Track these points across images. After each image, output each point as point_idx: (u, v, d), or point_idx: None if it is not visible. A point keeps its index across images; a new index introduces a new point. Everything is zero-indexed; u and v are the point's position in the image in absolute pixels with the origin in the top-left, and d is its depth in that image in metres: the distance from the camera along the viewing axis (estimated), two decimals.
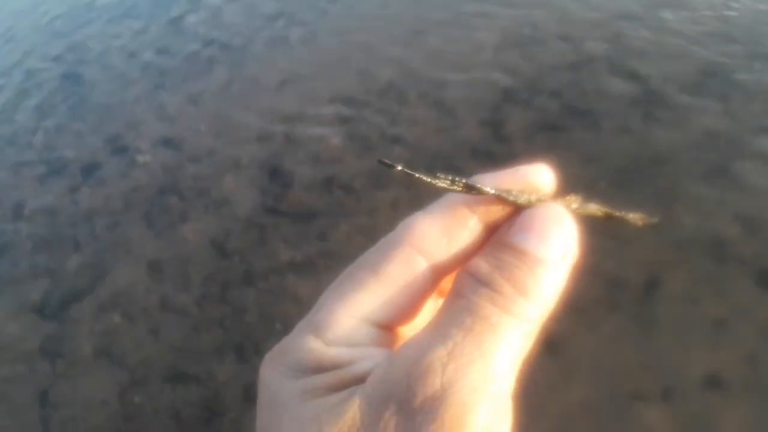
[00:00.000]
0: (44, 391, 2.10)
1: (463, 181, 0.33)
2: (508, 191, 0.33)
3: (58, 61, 3.81)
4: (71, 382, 2.10)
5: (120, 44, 3.84)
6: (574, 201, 0.35)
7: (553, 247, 0.30)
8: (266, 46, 3.52)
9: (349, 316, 0.28)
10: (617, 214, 0.38)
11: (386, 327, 0.29)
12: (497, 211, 0.32)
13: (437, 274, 0.30)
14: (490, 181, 0.33)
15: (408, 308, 0.29)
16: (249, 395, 1.93)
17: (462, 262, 0.30)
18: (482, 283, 0.28)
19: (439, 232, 0.30)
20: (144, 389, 2.02)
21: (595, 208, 0.37)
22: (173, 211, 2.56)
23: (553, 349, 1.84)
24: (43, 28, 4.25)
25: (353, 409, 0.25)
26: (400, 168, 0.34)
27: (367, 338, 0.28)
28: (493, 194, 0.32)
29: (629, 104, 2.67)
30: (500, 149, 2.54)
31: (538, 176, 0.34)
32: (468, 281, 0.28)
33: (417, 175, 0.33)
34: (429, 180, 0.33)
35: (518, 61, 3.04)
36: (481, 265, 0.29)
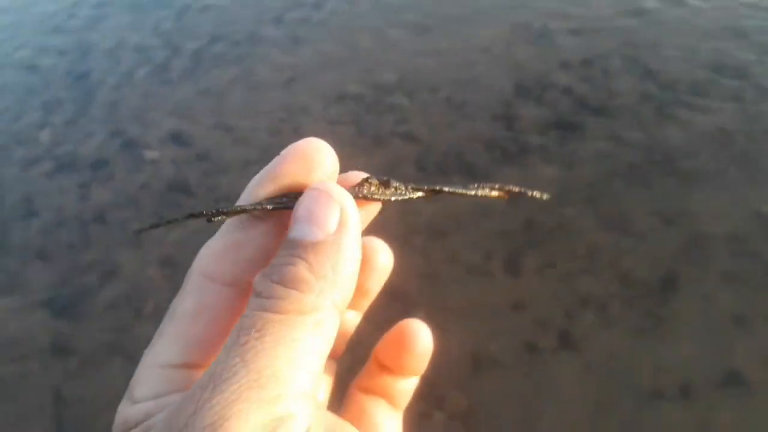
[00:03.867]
0: (57, 388, 2.08)
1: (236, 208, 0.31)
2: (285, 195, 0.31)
3: (64, 56, 3.79)
4: (84, 380, 2.09)
5: (127, 40, 3.82)
6: (371, 185, 0.33)
7: (323, 224, 0.27)
8: (273, 43, 3.51)
9: (152, 369, 0.27)
10: (446, 189, 0.36)
11: (192, 365, 0.27)
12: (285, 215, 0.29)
13: (240, 289, 0.28)
14: (266, 189, 0.31)
15: (212, 336, 0.27)
16: None
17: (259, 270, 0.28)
18: (256, 294, 0.26)
19: (224, 250, 0.28)
20: None
21: (403, 189, 0.35)
22: (182, 207, 2.54)
23: (570, 345, 1.83)
24: (47, 22, 4.23)
25: None
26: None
27: (172, 385, 0.27)
28: (266, 209, 0.30)
29: (642, 101, 2.66)
30: (514, 145, 2.52)
31: (311, 159, 0.30)
32: (249, 300, 0.27)
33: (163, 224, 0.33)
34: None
35: (529, 57, 3.03)
36: (258, 278, 0.27)
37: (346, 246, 0.27)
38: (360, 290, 0.32)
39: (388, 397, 0.33)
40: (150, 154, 2.79)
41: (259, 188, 0.31)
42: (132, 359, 2.11)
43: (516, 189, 0.35)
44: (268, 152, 2.12)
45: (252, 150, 2.75)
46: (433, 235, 2.22)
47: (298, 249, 0.27)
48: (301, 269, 0.26)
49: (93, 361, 2.14)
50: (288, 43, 3.48)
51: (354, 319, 0.35)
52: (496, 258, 2.10)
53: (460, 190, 0.34)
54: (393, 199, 0.32)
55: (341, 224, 0.28)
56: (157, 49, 3.69)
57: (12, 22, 4.37)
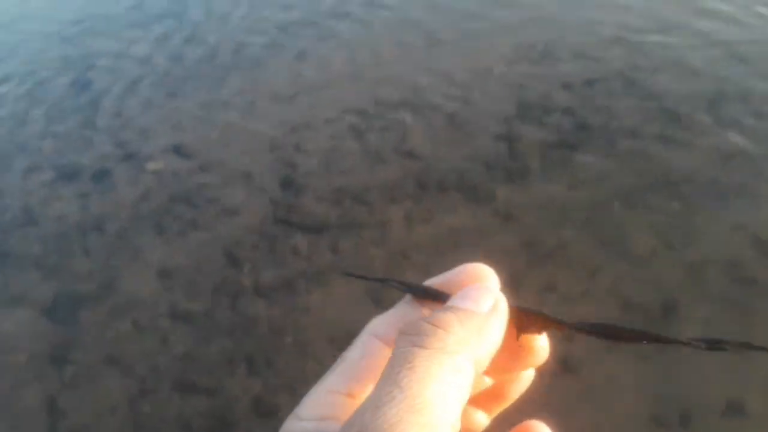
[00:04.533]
0: (52, 397, 2.07)
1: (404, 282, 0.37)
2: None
3: (68, 67, 3.81)
4: (80, 390, 2.07)
5: (131, 51, 3.83)
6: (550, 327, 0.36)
7: (479, 302, 0.32)
8: (278, 57, 3.52)
9: (320, 393, 0.32)
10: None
11: (349, 394, 0.32)
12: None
13: (388, 344, 0.34)
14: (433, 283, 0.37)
15: (369, 376, 0.32)
16: (259, 408, 1.91)
17: None
18: (405, 332, 0.30)
19: (393, 319, 0.35)
20: (154, 398, 1.99)
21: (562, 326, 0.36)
22: (183, 219, 2.54)
23: (570, 368, 1.83)
24: (53, 34, 4.25)
25: None
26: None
27: (333, 409, 0.31)
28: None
29: (644, 123, 2.67)
30: (515, 165, 2.53)
31: (478, 276, 0.36)
32: (397, 337, 0.30)
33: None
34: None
35: (531, 77, 3.05)
36: (409, 321, 0.31)
37: (493, 323, 0.32)
38: (500, 393, 0.37)
39: None
40: (151, 166, 2.79)
41: (434, 284, 0.37)
42: (129, 370, 2.10)
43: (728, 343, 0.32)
44: (269, 166, 2.14)
45: (254, 163, 2.75)
46: (433, 253, 2.22)
47: (454, 308, 0.31)
48: (451, 318, 0.30)
49: (89, 371, 2.12)
50: (293, 58, 3.50)
51: (483, 421, 0.39)
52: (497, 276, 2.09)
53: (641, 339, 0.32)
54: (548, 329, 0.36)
55: (493, 308, 0.32)
56: (161, 63, 3.70)
57: (18, 32, 4.40)
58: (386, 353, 0.32)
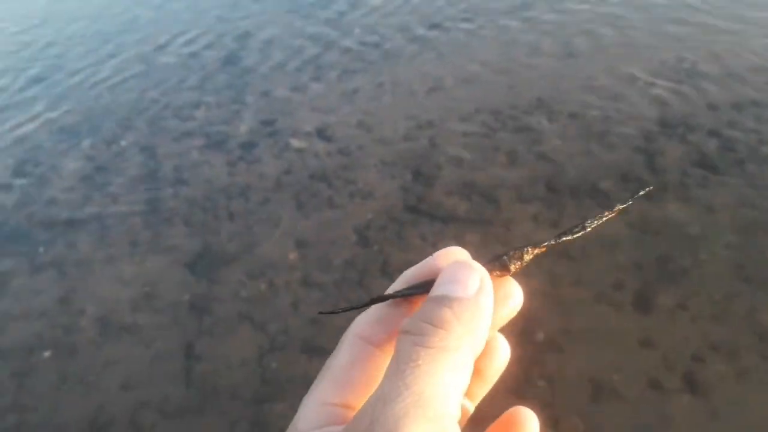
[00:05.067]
0: (190, 342, 2.27)
1: (371, 298, 0.38)
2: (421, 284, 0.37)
3: (221, 45, 4.12)
4: (215, 339, 2.27)
5: (280, 36, 4.09)
6: (513, 257, 0.37)
7: (465, 285, 0.33)
8: (419, 52, 3.64)
9: (313, 405, 0.32)
10: (569, 235, 0.38)
11: (345, 405, 0.33)
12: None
13: (382, 349, 0.35)
14: (406, 277, 0.38)
15: (361, 383, 0.33)
16: None
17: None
18: (406, 332, 0.31)
19: (376, 318, 0.35)
20: (282, 356, 2.14)
21: (537, 249, 0.38)
22: (321, 196, 2.71)
23: (696, 389, 1.79)
24: (207, 10, 4.61)
25: None
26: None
27: (330, 419, 0.32)
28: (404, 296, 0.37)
29: None
30: (653, 180, 2.48)
31: (449, 259, 0.36)
32: (398, 336, 0.32)
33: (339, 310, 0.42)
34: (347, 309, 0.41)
35: (676, 94, 2.97)
36: (407, 320, 0.32)
37: (483, 305, 0.33)
38: (479, 375, 0.38)
39: None
40: (296, 143, 2.99)
41: (411, 278, 0.38)
42: (261, 328, 2.27)
43: (622, 205, 0.39)
44: (403, 156, 2.26)
45: (389, 151, 2.88)
46: (561, 258, 2.24)
47: (444, 300, 0.32)
48: (448, 314, 0.31)
49: (225, 323, 2.31)
50: (433, 55, 3.61)
51: (468, 407, 0.40)
52: (626, 289, 2.08)
53: (578, 232, 0.38)
54: (520, 264, 0.37)
55: (480, 288, 0.33)
56: (310, 48, 3.93)
57: (179, 8, 4.80)
58: (375, 355, 0.34)
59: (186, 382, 2.10)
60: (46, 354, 2.26)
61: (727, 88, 2.96)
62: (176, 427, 1.95)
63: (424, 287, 0.36)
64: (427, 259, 0.38)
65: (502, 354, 0.38)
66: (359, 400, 0.32)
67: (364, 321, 0.36)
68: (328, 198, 2.68)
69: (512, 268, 0.37)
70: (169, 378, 2.12)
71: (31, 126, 3.61)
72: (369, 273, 2.36)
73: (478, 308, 0.32)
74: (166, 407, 2.03)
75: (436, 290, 0.33)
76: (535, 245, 0.38)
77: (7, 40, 4.87)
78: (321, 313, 0.44)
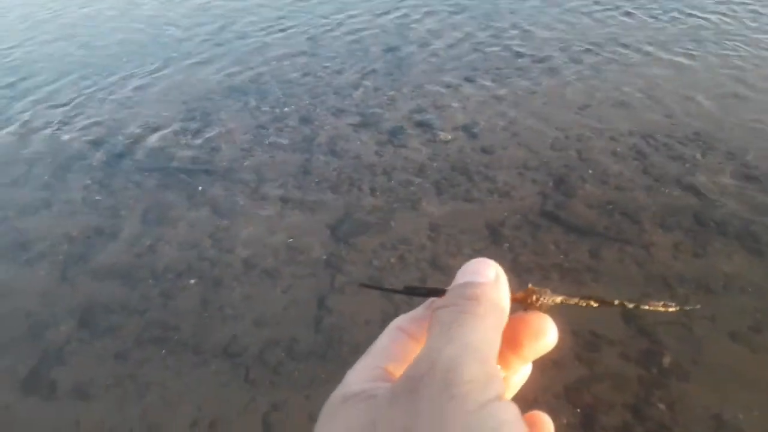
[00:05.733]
0: (323, 296, 2.44)
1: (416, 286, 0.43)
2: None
3: (384, 32, 4.35)
4: (345, 297, 2.43)
5: (442, 33, 4.25)
6: (538, 293, 0.40)
7: (484, 273, 0.38)
8: (577, 69, 3.66)
9: (362, 367, 0.38)
10: (599, 302, 0.41)
11: (387, 369, 0.38)
12: None
13: (411, 340, 0.40)
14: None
15: (399, 357, 0.39)
16: None
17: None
18: (441, 306, 0.37)
19: (412, 317, 0.41)
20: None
21: (569, 300, 0.40)
22: (460, 187, 2.81)
23: None
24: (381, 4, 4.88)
25: (367, 404, 0.35)
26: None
27: (375, 376, 0.38)
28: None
29: None
30: None
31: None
32: (434, 311, 0.37)
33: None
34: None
35: None
36: (438, 301, 0.38)
37: (501, 290, 0.38)
38: (519, 350, 0.41)
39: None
40: (443, 135, 3.12)
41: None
42: (387, 296, 2.41)
43: (672, 307, 0.41)
44: (547, 163, 2.33)
45: (531, 156, 2.94)
46: (700, 290, 2.20)
47: (469, 284, 0.38)
48: (475, 290, 0.37)
49: (355, 285, 2.47)
50: (590, 72, 3.61)
51: (514, 378, 0.43)
52: (765, 333, 2.01)
53: (620, 303, 0.40)
54: (553, 302, 0.40)
55: (497, 278, 0.38)
56: (466, 52, 4.07)
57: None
58: (410, 343, 0.40)
59: (315, 329, 2.27)
60: (192, 281, 2.51)
61: None
62: (300, 367, 2.10)
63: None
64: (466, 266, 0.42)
65: (549, 337, 0.40)
66: (399, 368, 0.38)
67: (402, 318, 0.42)
68: (466, 190, 2.79)
69: (533, 303, 0.41)
70: (299, 323, 2.29)
71: (208, 78, 4.01)
72: None
73: (497, 289, 0.38)
74: (294, 348, 2.19)
75: (460, 279, 0.39)
76: (569, 297, 0.41)
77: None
78: (362, 285, 0.53)
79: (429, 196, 2.80)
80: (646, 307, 0.41)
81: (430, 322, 0.37)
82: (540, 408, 0.38)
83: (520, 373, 0.42)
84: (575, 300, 0.41)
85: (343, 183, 2.97)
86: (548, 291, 0.39)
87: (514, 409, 0.32)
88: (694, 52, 3.78)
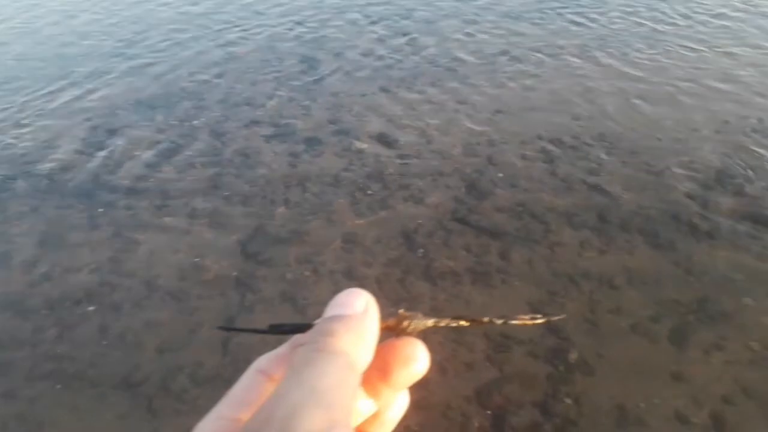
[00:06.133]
0: (231, 316, 2.35)
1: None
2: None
3: (300, 41, 4.31)
4: (256, 316, 2.34)
5: (357, 44, 4.25)
6: (409, 318, 0.38)
7: (352, 304, 0.36)
8: (489, 75, 3.73)
9: (208, 419, 0.35)
10: (459, 323, 0.39)
11: (237, 419, 0.35)
12: None
13: (272, 382, 0.37)
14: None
15: (254, 403, 0.35)
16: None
17: None
18: (299, 343, 0.34)
19: (275, 356, 0.37)
20: None
21: (438, 322, 0.38)
22: (375, 195, 2.80)
23: (724, 430, 1.78)
24: (290, 14, 4.83)
25: None
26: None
27: (222, 429, 0.34)
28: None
29: None
30: (704, 224, 2.49)
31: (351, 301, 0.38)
32: (292, 352, 0.34)
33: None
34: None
35: (738, 146, 2.96)
36: (299, 337, 0.35)
37: (369, 323, 0.35)
38: (388, 379, 0.38)
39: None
40: (358, 144, 3.11)
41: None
42: (302, 311, 2.36)
43: (539, 319, 0.42)
44: (460, 170, 2.34)
45: (444, 162, 2.96)
46: (604, 285, 2.26)
47: (334, 317, 0.35)
48: (337, 325, 0.34)
49: (267, 302, 2.39)
50: (503, 78, 3.69)
51: (371, 407, 0.40)
52: (663, 324, 2.09)
53: (489, 320, 0.39)
54: (425, 326, 0.39)
55: (366, 310, 0.36)
56: (382, 59, 4.08)
57: (257, 12, 5.04)
58: (268, 385, 0.36)
59: (222, 352, 2.17)
60: (91, 308, 2.36)
61: None
62: (206, 393, 2.00)
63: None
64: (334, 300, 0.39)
65: (419, 363, 0.38)
66: (248, 415, 0.35)
67: (264, 358, 0.38)
68: (382, 199, 2.78)
69: (404, 329, 0.39)
70: (206, 346, 2.18)
71: (113, 93, 3.85)
72: (411, 273, 2.42)
73: (364, 323, 0.35)
74: (199, 373, 2.08)
75: (326, 313, 0.36)
76: (439, 320, 0.39)
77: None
78: (220, 328, 0.46)
79: (344, 206, 2.77)
80: (515, 322, 0.40)
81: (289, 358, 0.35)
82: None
83: (396, 406, 0.40)
84: (446, 321, 0.39)
85: (254, 197, 2.90)
86: (419, 315, 0.37)
87: None
88: (599, 56, 3.92)
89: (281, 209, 2.81)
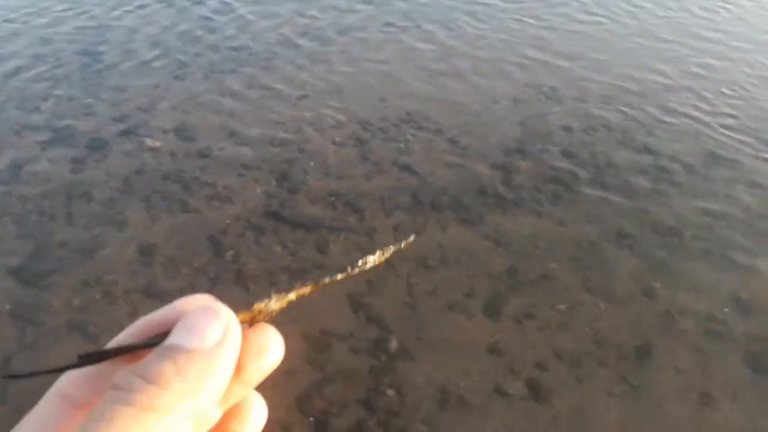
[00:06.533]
0: (8, 357, 1.99)
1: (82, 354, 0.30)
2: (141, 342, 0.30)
3: (81, 34, 3.81)
4: (38, 353, 2.01)
5: (147, 33, 3.85)
6: (263, 306, 0.32)
7: (204, 336, 0.27)
8: (292, 59, 3.56)
9: None
10: (309, 288, 0.34)
11: None
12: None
13: (81, 412, 0.29)
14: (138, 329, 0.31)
15: None
16: None
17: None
18: (114, 387, 0.26)
19: (88, 377, 0.29)
20: None
21: (288, 296, 0.33)
22: (173, 198, 2.52)
23: (539, 395, 1.82)
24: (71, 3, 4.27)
25: None
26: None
27: None
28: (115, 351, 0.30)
29: (637, 174, 2.73)
30: (508, 194, 2.56)
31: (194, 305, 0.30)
32: (104, 395, 0.26)
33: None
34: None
35: (535, 115, 3.11)
36: (121, 372, 0.26)
37: (221, 361, 0.27)
38: (239, 373, 0.30)
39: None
40: (150, 142, 2.78)
41: (144, 328, 0.30)
42: (94, 340, 2.04)
43: (389, 251, 0.36)
44: (269, 161, 2.15)
45: (251, 155, 2.75)
46: (420, 266, 2.23)
47: (170, 351, 0.26)
48: (168, 367, 0.26)
49: (51, 335, 2.05)
50: (305, 61, 3.54)
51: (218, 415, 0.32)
52: (477, 298, 2.10)
53: (339, 277, 0.35)
54: (279, 306, 0.32)
55: (222, 340, 0.27)
56: (176, 47, 3.72)
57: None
58: (76, 420, 0.28)
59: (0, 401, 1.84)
60: None
61: (582, 110, 3.16)
62: None
63: (153, 341, 0.29)
64: (168, 305, 0.30)
65: (256, 418, 0.31)
66: None
67: (74, 377, 0.29)
68: (182, 201, 2.50)
69: (260, 319, 0.31)
70: None
71: None
72: (221, 281, 2.21)
73: (213, 363, 0.26)
74: None
75: (168, 339, 0.27)
76: (289, 292, 0.33)
77: None
78: (7, 377, 0.31)
79: (138, 212, 2.45)
80: (369, 264, 0.38)
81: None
82: (272, 426, 0.31)
83: (252, 421, 0.32)
84: (299, 292, 0.34)
85: (29, 214, 2.47)
86: (272, 298, 0.32)
87: None
88: (400, 35, 3.94)
89: (63, 226, 2.42)
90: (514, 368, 1.89)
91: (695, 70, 3.62)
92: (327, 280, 0.36)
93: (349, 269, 0.36)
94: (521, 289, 2.16)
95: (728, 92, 3.39)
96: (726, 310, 2.11)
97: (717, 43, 3.98)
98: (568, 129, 3.02)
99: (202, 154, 2.75)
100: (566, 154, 2.84)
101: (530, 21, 4.18)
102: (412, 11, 4.24)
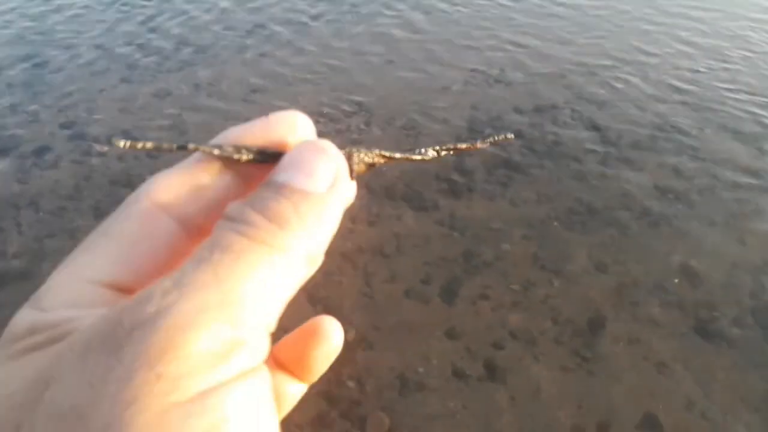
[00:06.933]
0: None
1: (191, 146, 0.29)
2: (247, 148, 0.29)
3: (23, 41, 3.70)
4: None
5: (91, 35, 3.76)
6: (360, 154, 0.32)
7: (317, 178, 0.26)
8: (240, 55, 3.53)
9: (72, 281, 0.25)
10: (410, 156, 0.35)
11: (122, 288, 0.26)
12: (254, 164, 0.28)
13: (188, 230, 0.27)
14: (235, 136, 0.29)
15: (149, 266, 0.26)
16: None
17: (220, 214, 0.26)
18: (230, 219, 0.25)
19: (184, 185, 0.27)
20: None
21: (379, 155, 0.33)
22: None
23: (496, 375, 1.86)
24: (13, 8, 4.13)
25: (47, 358, 0.22)
26: (123, 144, 0.30)
27: (96, 300, 0.24)
28: (222, 154, 0.28)
29: (586, 152, 2.78)
30: (461, 179, 2.59)
31: (290, 125, 0.30)
32: (218, 222, 0.25)
33: (139, 146, 0.30)
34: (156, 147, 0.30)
35: (485, 99, 3.14)
36: (235, 205, 0.25)
37: (334, 206, 0.27)
38: (305, 362, 0.32)
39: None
40: (99, 147, 2.73)
41: (238, 138, 0.29)
42: None
43: (482, 143, 0.36)
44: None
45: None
46: (376, 255, 2.24)
47: (287, 191, 0.25)
48: (287, 208, 0.25)
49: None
50: (253, 58, 3.51)
51: (300, 390, 0.34)
52: (433, 283, 2.13)
53: (430, 156, 0.34)
54: (370, 160, 0.32)
55: (334, 184, 0.27)
56: (121, 47, 3.64)
57: None
58: (176, 235, 0.26)
59: None
60: None
61: (531, 91, 3.20)
62: None
63: (262, 155, 0.28)
64: (261, 119, 0.29)
65: (336, 338, 0.32)
66: (139, 285, 0.25)
67: (169, 184, 0.27)
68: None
69: (355, 162, 0.31)
70: None
71: None
72: None
73: (326, 209, 0.26)
74: None
75: (279, 173, 0.26)
76: (389, 153, 0.33)
77: None
78: (113, 144, 0.29)
79: (88, 221, 2.41)
80: (479, 145, 0.37)
81: (213, 229, 0.24)
82: None
83: (330, 342, 0.33)
84: (394, 154, 0.33)
85: None
86: (362, 149, 0.31)
87: (252, 396, 0.21)
88: (340, 23, 3.92)
89: (13, 237, 2.37)
90: (471, 349, 1.92)
91: (640, 46, 3.69)
92: (418, 156, 0.35)
93: (465, 145, 0.36)
94: (476, 271, 2.19)
95: (678, 67, 3.47)
96: (676, 281, 2.17)
97: (676, 17, 4.06)
98: (518, 111, 3.06)
99: (151, 156, 2.71)
100: (517, 135, 2.87)
101: (482, 2, 4.21)
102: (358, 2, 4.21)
